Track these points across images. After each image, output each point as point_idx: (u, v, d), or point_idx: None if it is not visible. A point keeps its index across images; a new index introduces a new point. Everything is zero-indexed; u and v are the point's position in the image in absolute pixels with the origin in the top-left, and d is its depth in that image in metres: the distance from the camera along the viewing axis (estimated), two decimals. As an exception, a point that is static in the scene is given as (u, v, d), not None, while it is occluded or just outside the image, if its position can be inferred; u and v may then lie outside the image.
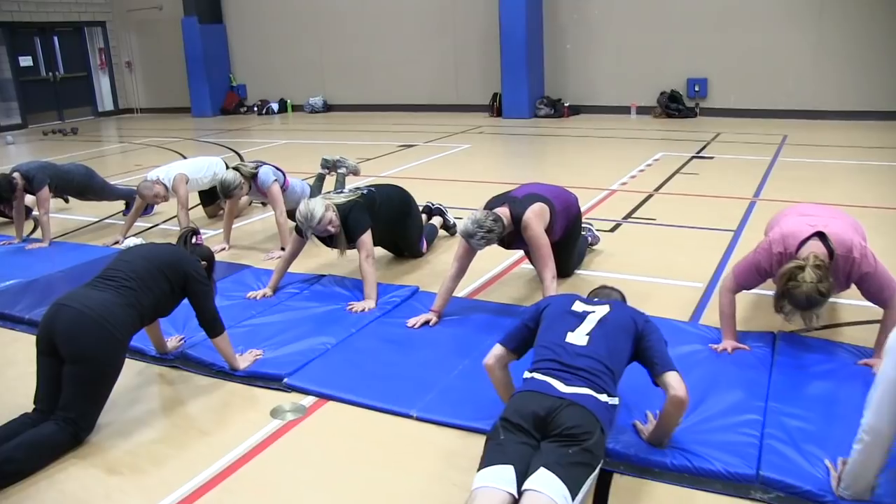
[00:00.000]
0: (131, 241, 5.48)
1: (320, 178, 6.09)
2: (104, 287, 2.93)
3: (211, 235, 5.89)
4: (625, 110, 12.61)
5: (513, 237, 3.84)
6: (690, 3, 11.82)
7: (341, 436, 2.85)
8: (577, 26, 12.75)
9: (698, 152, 8.83)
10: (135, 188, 6.66)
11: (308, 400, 3.11)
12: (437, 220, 5.40)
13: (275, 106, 15.59)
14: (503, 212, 3.78)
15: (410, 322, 3.78)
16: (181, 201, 5.70)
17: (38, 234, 6.13)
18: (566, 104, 12.78)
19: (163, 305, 3.11)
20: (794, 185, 6.72)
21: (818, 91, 11.21)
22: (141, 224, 6.32)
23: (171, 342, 3.62)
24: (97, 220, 6.64)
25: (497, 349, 2.73)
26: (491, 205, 3.90)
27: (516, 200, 3.86)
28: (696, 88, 12.02)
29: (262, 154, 10.12)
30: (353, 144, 10.74)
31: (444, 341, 3.59)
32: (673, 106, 12.06)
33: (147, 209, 6.46)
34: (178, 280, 3.10)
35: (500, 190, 4.02)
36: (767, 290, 3.53)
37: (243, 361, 3.37)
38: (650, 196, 6.61)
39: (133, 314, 2.93)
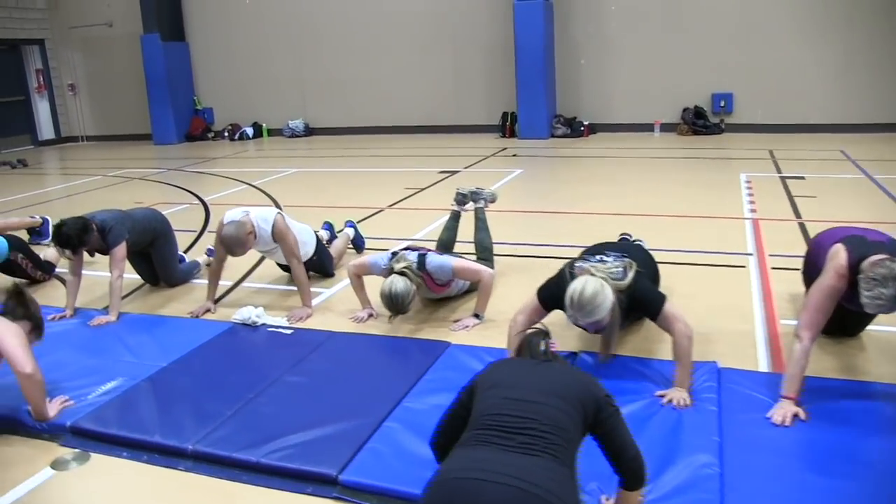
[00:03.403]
0: (248, 312, 4.15)
1: (455, 218, 4.96)
2: (527, 449, 1.87)
3: (324, 297, 4.64)
4: (645, 128, 11.96)
5: None
6: (711, 15, 11.37)
7: None
8: (591, 40, 12.07)
9: (780, 172, 8.20)
10: (197, 262, 5.35)
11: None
12: None
13: (249, 131, 14.13)
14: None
15: (777, 419, 2.76)
16: (294, 252, 4.40)
17: (80, 300, 4.68)
18: (585, 123, 12.03)
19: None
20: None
21: (848, 104, 10.92)
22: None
23: None
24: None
25: None
26: (856, 249, 2.91)
27: (884, 245, 2.92)
28: (722, 104, 11.52)
29: (279, 184, 8.82)
30: (384, 172, 9.59)
31: (851, 451, 2.60)
32: (699, 122, 11.51)
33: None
34: (591, 416, 2.04)
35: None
36: None
37: None
38: (803, 225, 5.84)
39: (576, 487, 1.92)
